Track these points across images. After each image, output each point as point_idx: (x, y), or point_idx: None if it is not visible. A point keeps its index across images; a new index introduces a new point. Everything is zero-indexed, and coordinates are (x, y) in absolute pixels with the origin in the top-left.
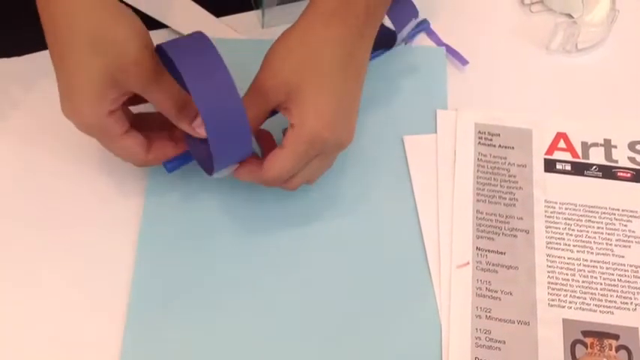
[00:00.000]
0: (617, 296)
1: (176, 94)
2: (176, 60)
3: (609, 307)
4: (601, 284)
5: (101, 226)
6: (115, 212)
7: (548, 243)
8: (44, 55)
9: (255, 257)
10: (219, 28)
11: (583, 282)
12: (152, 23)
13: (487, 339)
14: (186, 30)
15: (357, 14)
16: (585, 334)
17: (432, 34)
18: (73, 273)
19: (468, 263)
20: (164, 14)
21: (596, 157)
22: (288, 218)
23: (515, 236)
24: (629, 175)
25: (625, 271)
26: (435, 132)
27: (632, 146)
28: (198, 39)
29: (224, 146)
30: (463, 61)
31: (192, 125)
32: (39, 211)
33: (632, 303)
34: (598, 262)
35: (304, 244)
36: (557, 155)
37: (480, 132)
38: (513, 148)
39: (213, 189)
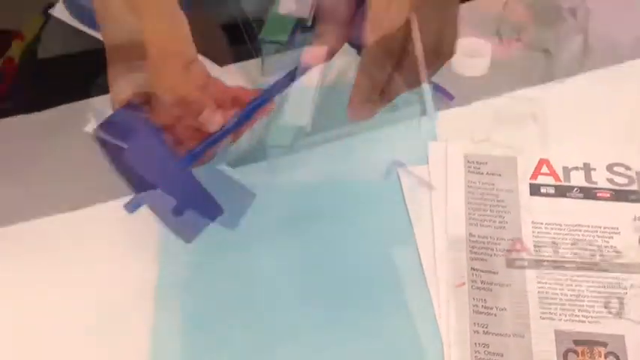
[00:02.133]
0: (602, 306)
1: None
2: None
3: (596, 317)
4: (588, 297)
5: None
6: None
7: (536, 261)
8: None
9: (261, 282)
10: (224, 76)
11: (571, 295)
12: None
13: (486, 352)
14: None
15: None
16: (576, 343)
17: None
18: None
19: (464, 284)
20: None
21: (577, 179)
22: (291, 247)
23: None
24: (608, 195)
25: (608, 284)
26: (427, 163)
27: (609, 168)
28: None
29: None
30: (450, 97)
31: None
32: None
33: (617, 311)
34: (583, 277)
35: (306, 269)
36: (541, 180)
37: (468, 161)
38: (500, 175)
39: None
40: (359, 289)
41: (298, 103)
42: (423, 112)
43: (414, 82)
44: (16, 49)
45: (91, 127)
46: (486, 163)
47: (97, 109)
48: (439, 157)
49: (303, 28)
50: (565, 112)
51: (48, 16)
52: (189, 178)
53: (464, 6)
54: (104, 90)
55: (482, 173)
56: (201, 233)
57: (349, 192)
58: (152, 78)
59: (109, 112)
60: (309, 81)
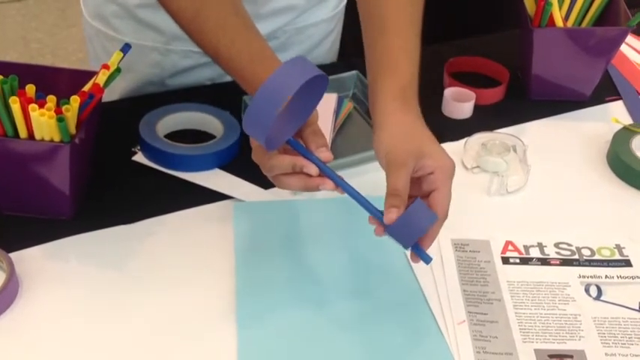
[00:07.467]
0: (566, 332)
1: None
2: None
3: (563, 339)
4: (554, 327)
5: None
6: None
7: (514, 305)
8: None
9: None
10: (268, 197)
11: (542, 326)
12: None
13: None
14: (245, 198)
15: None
16: (551, 356)
17: None
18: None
19: (464, 321)
20: (231, 190)
21: (535, 253)
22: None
23: (491, 303)
24: (558, 262)
25: (568, 318)
26: None
27: (556, 245)
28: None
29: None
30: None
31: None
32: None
33: (577, 335)
34: (549, 314)
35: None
36: (509, 254)
37: (455, 244)
38: (479, 252)
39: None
40: (385, 333)
41: None
42: None
43: None
44: (102, 77)
45: None
46: (468, 244)
47: None
48: (435, 243)
49: None
50: (519, 210)
51: (126, 51)
52: None
53: None
54: None
55: (466, 251)
56: None
57: (374, 273)
58: None
59: None
60: (325, 123)
